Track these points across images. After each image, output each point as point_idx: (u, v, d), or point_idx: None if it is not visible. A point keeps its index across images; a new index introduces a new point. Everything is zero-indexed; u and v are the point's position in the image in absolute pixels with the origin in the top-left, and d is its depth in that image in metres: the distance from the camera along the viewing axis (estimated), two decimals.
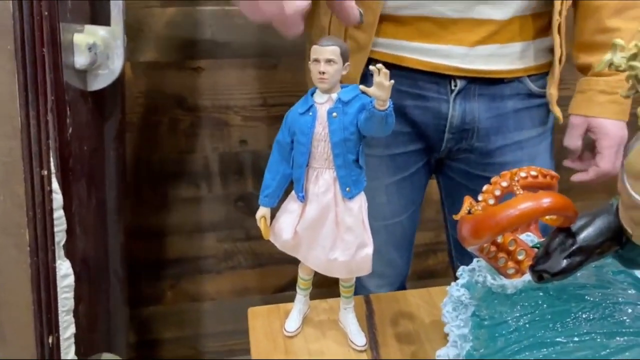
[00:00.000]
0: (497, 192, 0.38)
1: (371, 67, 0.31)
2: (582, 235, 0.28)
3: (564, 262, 0.29)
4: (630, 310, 0.32)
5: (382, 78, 0.29)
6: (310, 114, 0.34)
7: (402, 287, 0.79)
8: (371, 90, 0.30)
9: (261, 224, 0.37)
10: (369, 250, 0.36)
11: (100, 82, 0.68)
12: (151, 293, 1.14)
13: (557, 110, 0.65)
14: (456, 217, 0.35)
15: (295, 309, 0.42)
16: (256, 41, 1.03)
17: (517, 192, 0.35)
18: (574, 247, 0.28)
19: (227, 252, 1.16)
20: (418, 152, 0.66)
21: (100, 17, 0.70)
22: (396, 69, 0.59)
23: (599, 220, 0.28)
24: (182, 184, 1.09)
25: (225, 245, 1.16)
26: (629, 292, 0.33)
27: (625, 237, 0.28)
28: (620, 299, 0.33)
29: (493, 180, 0.38)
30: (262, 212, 0.37)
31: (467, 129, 0.62)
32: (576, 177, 0.68)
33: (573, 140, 0.66)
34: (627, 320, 0.32)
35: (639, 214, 0.25)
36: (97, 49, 0.64)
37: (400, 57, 0.58)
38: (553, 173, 0.40)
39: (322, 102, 0.34)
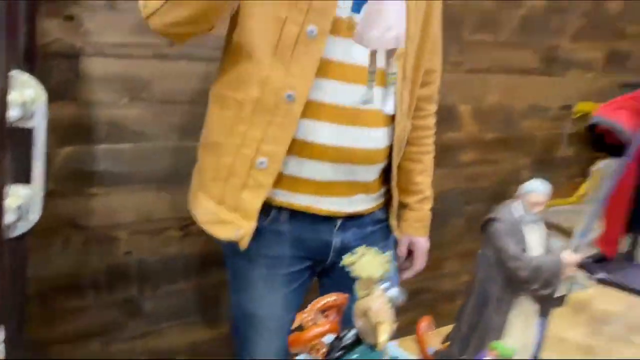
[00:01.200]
0: (313, 312, 0.67)
1: None
2: (343, 339, 0.58)
3: (337, 354, 0.58)
4: None
5: None
6: None
7: None
8: None
9: None
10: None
11: (17, 230, 0.82)
12: None
13: (397, 233, 1.05)
14: (293, 327, 0.63)
15: None
16: (143, 171, 1.25)
17: (318, 316, 0.64)
18: (340, 346, 0.58)
19: (111, 354, 1.28)
20: (309, 267, 0.97)
21: (17, 171, 0.85)
22: (300, 214, 0.88)
23: (350, 332, 0.59)
24: (71, 295, 1.21)
25: (111, 348, 1.28)
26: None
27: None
28: None
29: (311, 305, 0.67)
30: None
31: (344, 248, 0.94)
32: (403, 275, 1.09)
33: (402, 250, 1.08)
34: None
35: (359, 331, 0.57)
36: (21, 207, 0.81)
37: (306, 206, 0.89)
38: (345, 296, 0.70)
39: None
